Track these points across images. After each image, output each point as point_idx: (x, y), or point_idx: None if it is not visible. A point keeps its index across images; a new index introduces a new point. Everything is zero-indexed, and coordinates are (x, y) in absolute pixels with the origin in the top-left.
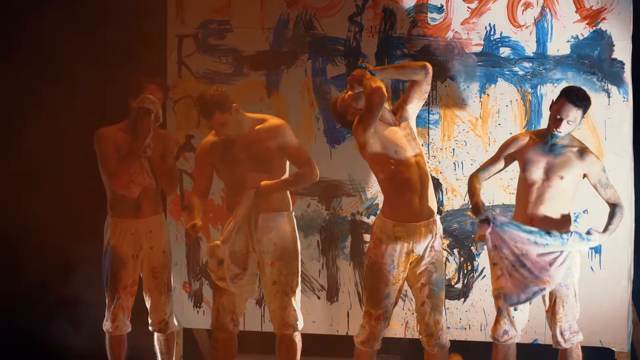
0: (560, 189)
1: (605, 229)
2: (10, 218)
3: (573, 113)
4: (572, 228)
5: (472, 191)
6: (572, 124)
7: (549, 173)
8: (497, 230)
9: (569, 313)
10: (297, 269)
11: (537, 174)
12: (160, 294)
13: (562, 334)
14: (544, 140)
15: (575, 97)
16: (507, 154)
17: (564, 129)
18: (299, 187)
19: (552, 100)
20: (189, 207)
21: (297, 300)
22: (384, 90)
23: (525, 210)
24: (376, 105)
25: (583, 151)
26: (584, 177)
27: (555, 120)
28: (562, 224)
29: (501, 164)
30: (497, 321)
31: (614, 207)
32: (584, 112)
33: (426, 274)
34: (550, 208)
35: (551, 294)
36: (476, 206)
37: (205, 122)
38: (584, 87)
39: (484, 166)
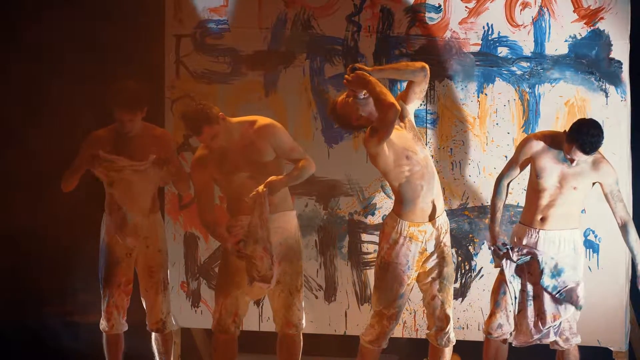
0: (572, 196)
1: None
2: (13, 218)
3: (584, 158)
4: (578, 226)
5: (493, 211)
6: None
7: (562, 182)
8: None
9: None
10: (301, 269)
11: (550, 182)
12: (157, 293)
13: (560, 334)
14: (559, 147)
15: (589, 149)
16: (524, 158)
17: (575, 162)
18: (302, 179)
19: (565, 131)
20: (213, 229)
21: (300, 300)
22: (398, 105)
23: (535, 212)
24: (392, 122)
25: (598, 161)
26: (593, 184)
27: (566, 155)
28: (570, 224)
29: (520, 167)
30: (492, 314)
31: (626, 228)
32: None
33: (437, 269)
34: (561, 211)
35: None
36: (492, 235)
37: (196, 139)
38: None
39: (505, 171)
